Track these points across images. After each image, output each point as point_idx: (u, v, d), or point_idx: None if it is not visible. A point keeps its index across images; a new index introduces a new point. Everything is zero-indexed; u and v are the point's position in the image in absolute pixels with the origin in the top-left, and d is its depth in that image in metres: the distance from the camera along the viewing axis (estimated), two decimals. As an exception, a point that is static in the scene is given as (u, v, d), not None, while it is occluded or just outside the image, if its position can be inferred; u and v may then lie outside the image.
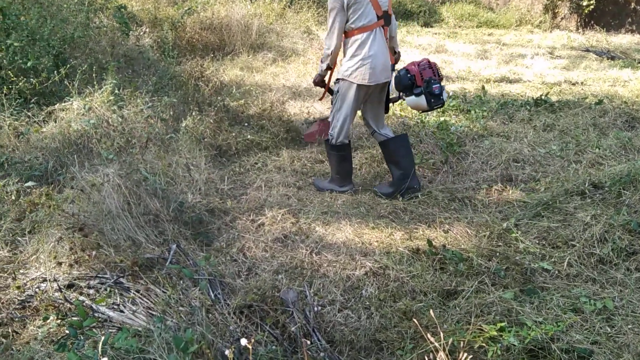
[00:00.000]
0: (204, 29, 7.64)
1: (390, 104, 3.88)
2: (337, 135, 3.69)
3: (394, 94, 3.80)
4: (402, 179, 3.72)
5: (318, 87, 3.97)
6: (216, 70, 6.23)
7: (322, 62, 3.63)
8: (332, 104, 3.74)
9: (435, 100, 3.52)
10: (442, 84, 3.58)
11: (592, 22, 11.48)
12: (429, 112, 4.97)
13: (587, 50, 9.20)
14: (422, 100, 3.52)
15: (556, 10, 11.86)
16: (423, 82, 3.49)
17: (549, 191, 3.65)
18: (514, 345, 2.12)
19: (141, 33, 6.25)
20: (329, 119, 3.79)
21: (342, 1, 3.31)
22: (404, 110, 5.35)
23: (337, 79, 3.60)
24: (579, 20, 11.66)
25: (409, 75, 3.52)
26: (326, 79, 3.76)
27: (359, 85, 3.49)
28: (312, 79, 3.93)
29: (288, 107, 5.67)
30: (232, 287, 2.62)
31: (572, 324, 2.34)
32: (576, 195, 3.47)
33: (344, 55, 3.55)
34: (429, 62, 3.60)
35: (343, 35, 3.46)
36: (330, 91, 3.82)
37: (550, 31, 11.37)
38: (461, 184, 3.93)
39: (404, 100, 3.72)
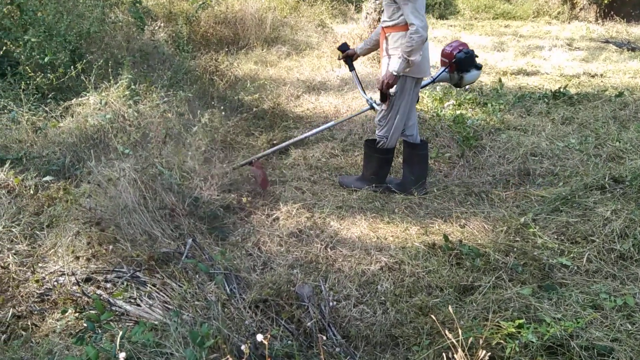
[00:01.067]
0: (218, 23, 7.65)
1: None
2: (391, 138, 3.56)
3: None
4: (411, 184, 3.68)
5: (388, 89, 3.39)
6: (230, 64, 6.22)
7: (410, 55, 3.13)
8: (383, 105, 3.51)
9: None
10: None
11: (612, 12, 11.25)
12: (444, 93, 5.32)
13: (607, 42, 9.03)
14: (480, 72, 3.69)
15: (575, 1, 11.65)
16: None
17: (568, 185, 3.59)
18: (532, 342, 2.09)
19: (156, 28, 6.27)
20: (375, 120, 3.59)
21: None
22: (419, 103, 5.30)
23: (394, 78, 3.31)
24: (598, 10, 11.45)
25: (470, 50, 3.60)
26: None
27: (414, 79, 3.41)
28: (383, 79, 3.32)
29: (302, 102, 5.65)
30: (247, 281, 2.62)
31: (591, 320, 2.30)
32: (596, 189, 3.41)
33: (398, 50, 3.23)
34: (458, 41, 3.70)
35: (387, 29, 3.29)
36: (383, 96, 3.45)
37: (569, 22, 11.17)
38: (478, 178, 3.89)
39: (460, 78, 3.67)
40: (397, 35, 3.26)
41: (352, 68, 3.91)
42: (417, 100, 3.71)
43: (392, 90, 3.35)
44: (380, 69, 3.66)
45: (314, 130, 4.20)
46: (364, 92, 3.91)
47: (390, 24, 3.28)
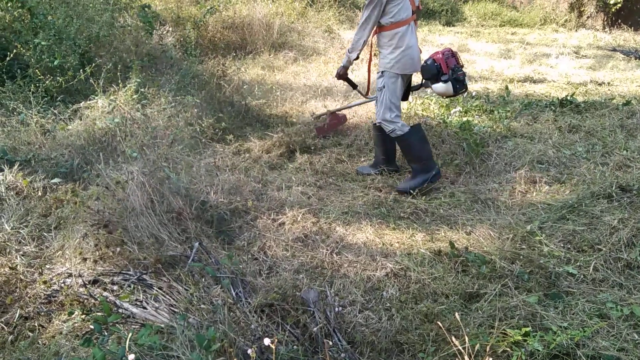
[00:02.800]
0: (226, 28, 7.70)
1: (411, 92, 4.11)
2: (396, 124, 3.72)
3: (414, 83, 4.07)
4: (383, 163, 4.13)
5: (342, 81, 4.10)
6: (238, 69, 6.26)
7: (349, 52, 3.76)
8: (377, 102, 3.81)
9: (460, 85, 3.73)
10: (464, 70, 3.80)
11: (620, 20, 11.24)
12: (451, 100, 5.42)
13: (614, 50, 9.01)
14: (449, 86, 3.71)
15: (582, 9, 11.65)
16: (449, 69, 3.67)
17: (575, 194, 3.58)
18: (539, 350, 2.09)
19: (164, 32, 6.32)
20: (378, 119, 3.83)
21: None
22: (426, 110, 5.31)
23: (381, 73, 3.71)
24: (605, 18, 11.43)
25: (435, 64, 3.68)
26: (349, 72, 3.98)
27: (400, 75, 3.69)
28: (335, 73, 4.04)
29: (309, 107, 5.66)
30: (253, 285, 2.63)
31: (598, 330, 2.29)
32: (603, 198, 3.40)
33: (383, 49, 3.70)
34: (451, 51, 3.77)
35: (377, 29, 3.67)
36: (354, 85, 4.14)
37: (576, 30, 11.17)
38: (484, 185, 3.88)
39: (429, 87, 3.86)
40: (380, 35, 3.70)
41: (354, 86, 4.23)
42: (407, 97, 3.97)
43: (379, 83, 3.75)
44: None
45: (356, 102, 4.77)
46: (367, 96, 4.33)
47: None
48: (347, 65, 3.90)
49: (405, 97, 3.92)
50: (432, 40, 9.49)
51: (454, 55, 3.73)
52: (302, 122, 5.07)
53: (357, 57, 3.80)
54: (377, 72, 3.78)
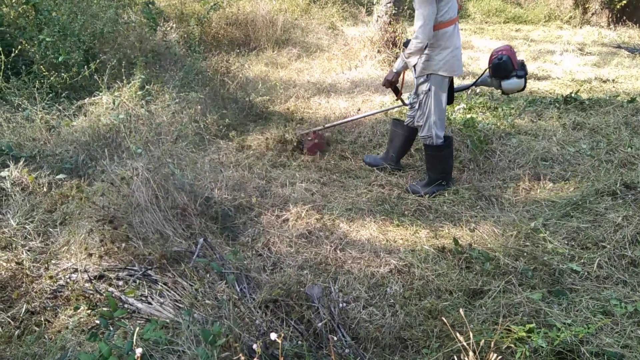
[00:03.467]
0: (230, 25, 7.69)
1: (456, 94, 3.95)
2: (436, 134, 3.61)
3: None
4: (388, 160, 4.10)
5: (387, 87, 3.84)
6: (241, 65, 6.26)
7: (407, 57, 3.49)
8: (416, 105, 3.63)
9: (526, 80, 3.63)
10: None
11: (624, 17, 11.18)
12: (455, 97, 5.18)
13: (619, 47, 8.97)
14: (521, 82, 3.59)
15: (587, 6, 11.59)
16: (518, 65, 3.57)
17: (579, 191, 3.58)
18: (543, 347, 2.09)
19: (168, 28, 6.32)
20: (417, 123, 3.67)
21: None
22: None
23: (427, 76, 3.49)
24: (610, 15, 11.37)
25: (510, 60, 3.55)
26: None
27: (442, 77, 3.50)
28: (384, 80, 3.77)
29: (312, 104, 5.67)
30: (257, 281, 2.64)
31: (602, 326, 2.30)
32: (607, 195, 3.40)
33: (428, 50, 3.43)
34: (512, 47, 3.67)
35: None
36: (398, 92, 3.89)
37: (580, 27, 11.11)
38: (488, 182, 3.88)
39: (490, 85, 3.73)
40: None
41: (398, 93, 3.99)
42: (452, 100, 3.77)
43: (423, 87, 3.53)
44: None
45: (366, 113, 4.52)
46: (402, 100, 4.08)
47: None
48: (401, 71, 3.69)
49: (450, 101, 3.73)
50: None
51: (514, 51, 3.65)
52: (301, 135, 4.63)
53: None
54: (418, 76, 3.54)
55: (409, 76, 3.80)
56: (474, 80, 3.84)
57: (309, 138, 4.40)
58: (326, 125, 4.57)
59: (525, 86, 3.63)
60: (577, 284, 2.66)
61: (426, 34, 3.31)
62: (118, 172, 3.10)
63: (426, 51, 3.44)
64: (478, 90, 5.91)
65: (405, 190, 3.79)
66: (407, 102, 3.86)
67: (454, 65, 3.48)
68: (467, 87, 3.97)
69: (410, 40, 3.42)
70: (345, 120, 4.61)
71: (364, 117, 4.54)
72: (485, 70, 3.69)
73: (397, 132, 4.01)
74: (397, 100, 4.07)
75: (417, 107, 3.64)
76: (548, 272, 2.75)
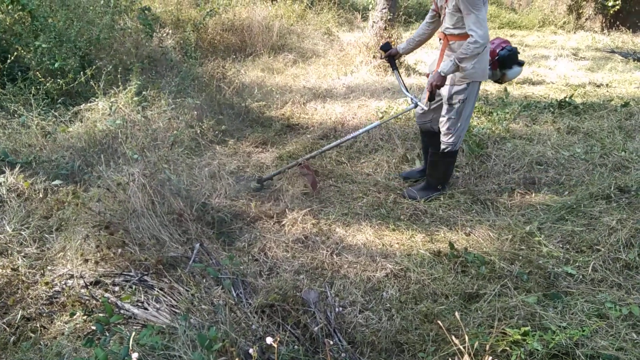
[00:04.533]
0: (226, 31, 7.72)
1: None
2: (457, 141, 3.57)
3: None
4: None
5: (429, 91, 3.43)
6: (237, 71, 6.28)
7: (462, 61, 3.18)
8: (451, 113, 3.47)
9: None
10: None
11: (618, 22, 11.27)
12: None
13: (613, 52, 9.04)
14: (522, 69, 3.71)
15: (580, 11, 11.68)
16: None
17: (573, 195, 3.60)
18: (538, 350, 2.10)
19: (164, 34, 6.33)
20: (442, 129, 3.54)
21: None
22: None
23: (467, 84, 3.36)
24: (604, 20, 11.46)
25: (514, 49, 3.60)
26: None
27: (479, 83, 3.47)
28: (431, 80, 3.35)
29: (308, 110, 5.68)
30: (253, 286, 2.64)
31: (597, 329, 2.31)
32: (601, 199, 3.42)
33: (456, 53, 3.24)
34: (502, 38, 3.71)
35: (454, 37, 3.28)
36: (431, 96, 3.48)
37: (574, 32, 11.20)
38: (483, 187, 3.90)
39: (495, 78, 3.72)
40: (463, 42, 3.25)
41: (394, 67, 3.84)
42: None
43: (461, 96, 3.39)
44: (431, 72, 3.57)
45: (360, 131, 3.96)
46: (407, 91, 3.79)
47: (456, 32, 3.27)
48: (448, 75, 3.32)
49: None
50: (431, 42, 9.47)
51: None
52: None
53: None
54: (456, 84, 3.37)
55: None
56: None
57: (305, 173, 3.86)
58: (310, 155, 4.00)
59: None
60: (572, 287, 2.68)
61: (486, 37, 3.13)
62: (114, 178, 3.10)
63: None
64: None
65: (402, 195, 3.80)
66: (418, 102, 3.65)
67: (486, 70, 3.43)
68: None
69: (467, 44, 3.14)
70: (325, 148, 3.99)
71: (350, 139, 4.03)
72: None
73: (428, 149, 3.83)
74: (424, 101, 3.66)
75: (451, 115, 3.47)
76: (543, 275, 2.76)
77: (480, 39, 3.08)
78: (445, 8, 3.27)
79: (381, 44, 3.88)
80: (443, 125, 3.55)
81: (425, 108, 3.64)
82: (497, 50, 3.57)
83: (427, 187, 3.79)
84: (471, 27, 3.11)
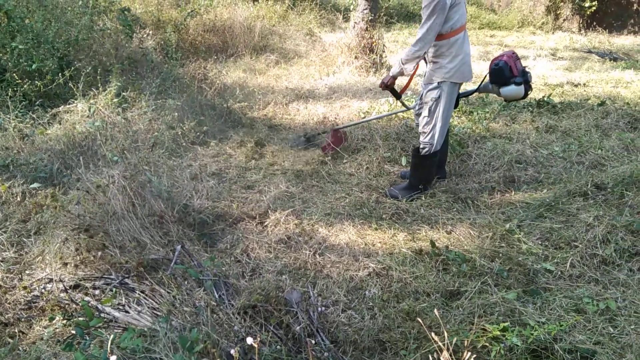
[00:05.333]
0: (207, 31, 7.68)
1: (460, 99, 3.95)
2: (437, 142, 3.60)
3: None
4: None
5: (384, 90, 3.76)
6: (219, 72, 6.25)
7: (403, 63, 3.45)
8: (425, 112, 3.56)
9: (528, 87, 3.57)
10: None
11: (595, 23, 11.49)
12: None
13: (590, 52, 9.21)
14: (521, 89, 3.53)
15: (558, 12, 11.87)
16: (518, 72, 3.52)
17: (552, 192, 3.66)
18: (517, 345, 2.13)
19: (144, 35, 6.28)
20: (419, 128, 3.65)
21: (447, 1, 3.20)
22: (409, 113, 5.36)
23: (437, 84, 3.45)
24: (581, 21, 11.67)
25: (507, 65, 3.51)
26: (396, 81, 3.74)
27: (454, 84, 3.49)
28: (381, 82, 3.69)
29: (291, 110, 5.68)
30: (236, 287, 2.63)
31: (574, 324, 2.35)
32: (579, 196, 3.49)
33: (441, 58, 3.41)
34: (515, 53, 3.63)
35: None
36: (398, 95, 3.84)
37: (553, 32, 11.38)
38: (464, 185, 3.94)
39: (491, 92, 3.70)
40: (439, 44, 3.38)
41: (398, 97, 3.93)
42: (456, 106, 3.74)
43: (433, 95, 3.49)
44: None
45: (378, 115, 4.56)
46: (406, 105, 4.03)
47: None
48: (397, 76, 3.60)
49: (455, 106, 3.68)
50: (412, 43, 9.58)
51: (518, 58, 3.60)
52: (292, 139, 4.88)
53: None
54: (427, 83, 3.51)
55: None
56: (477, 86, 3.80)
57: (329, 138, 4.52)
58: (338, 127, 4.70)
59: (526, 94, 3.56)
60: (551, 283, 2.72)
61: (426, 44, 3.30)
62: (94, 180, 3.07)
63: (438, 59, 3.42)
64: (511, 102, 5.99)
65: (384, 195, 3.82)
66: (410, 106, 3.87)
67: (464, 72, 3.46)
68: (471, 93, 3.91)
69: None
70: (357, 122, 4.71)
71: (376, 119, 4.66)
72: (485, 76, 3.68)
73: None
74: (398, 103, 4.04)
75: (425, 114, 3.56)
76: (523, 272, 2.80)
77: (420, 43, 3.31)
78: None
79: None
80: (420, 124, 3.65)
81: (405, 107, 3.78)
82: (492, 64, 3.57)
83: (409, 187, 3.82)
84: (418, 32, 3.34)
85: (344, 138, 4.67)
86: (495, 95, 4.01)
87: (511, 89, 3.53)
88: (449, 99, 3.51)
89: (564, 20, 11.83)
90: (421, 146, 3.65)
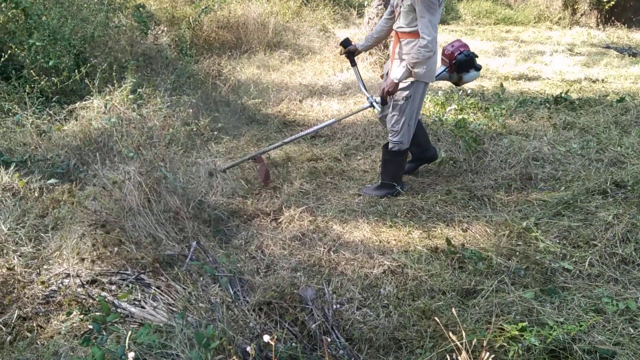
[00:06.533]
0: (221, 28, 7.69)
1: None
2: (407, 139, 3.58)
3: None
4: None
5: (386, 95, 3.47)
6: (233, 68, 6.26)
7: (413, 67, 3.28)
8: (395, 111, 3.50)
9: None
10: None
11: (613, 18, 11.30)
12: (446, 98, 5.45)
13: (608, 47, 9.06)
14: (479, 73, 3.78)
15: (576, 7, 11.70)
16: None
17: (570, 190, 3.61)
18: (535, 345, 2.10)
19: (159, 32, 6.30)
20: (388, 126, 3.58)
21: None
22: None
23: (411, 83, 3.40)
24: (599, 16, 11.49)
25: (470, 53, 3.67)
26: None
27: (426, 84, 3.50)
28: (384, 86, 3.41)
29: (305, 107, 5.67)
30: (251, 284, 2.64)
31: (594, 324, 2.31)
32: (597, 194, 3.43)
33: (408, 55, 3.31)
34: (460, 40, 3.77)
35: (405, 34, 3.31)
36: (383, 100, 3.54)
37: (570, 28, 11.21)
38: (480, 183, 3.90)
39: (450, 80, 3.82)
40: (413, 42, 3.29)
41: (353, 64, 3.90)
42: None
43: (405, 94, 3.43)
44: (387, 71, 3.62)
45: (314, 128, 4.05)
46: (366, 89, 3.83)
47: (407, 30, 3.31)
48: (402, 80, 3.37)
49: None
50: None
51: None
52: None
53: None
54: (384, 85, 3.43)
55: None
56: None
57: (259, 166, 3.86)
58: (264, 150, 4.04)
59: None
60: (569, 283, 2.68)
61: (433, 40, 3.21)
62: (110, 176, 3.09)
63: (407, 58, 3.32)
64: (469, 91, 5.95)
65: (357, 194, 3.78)
66: (374, 103, 3.63)
67: (432, 71, 3.44)
68: None
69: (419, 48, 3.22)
70: (281, 142, 4.03)
71: (311, 132, 4.12)
72: (443, 67, 3.75)
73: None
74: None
75: (395, 112, 3.51)
76: (540, 271, 2.76)
77: (430, 43, 3.19)
78: (400, 7, 3.32)
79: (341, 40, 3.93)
80: (389, 122, 3.59)
81: (379, 110, 3.62)
82: (456, 54, 3.66)
83: (380, 187, 3.78)
84: (423, 30, 3.18)
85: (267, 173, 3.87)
86: (446, 81, 4.00)
87: (473, 75, 3.72)
88: (419, 99, 3.52)
89: (582, 15, 11.66)
90: (390, 145, 3.62)
